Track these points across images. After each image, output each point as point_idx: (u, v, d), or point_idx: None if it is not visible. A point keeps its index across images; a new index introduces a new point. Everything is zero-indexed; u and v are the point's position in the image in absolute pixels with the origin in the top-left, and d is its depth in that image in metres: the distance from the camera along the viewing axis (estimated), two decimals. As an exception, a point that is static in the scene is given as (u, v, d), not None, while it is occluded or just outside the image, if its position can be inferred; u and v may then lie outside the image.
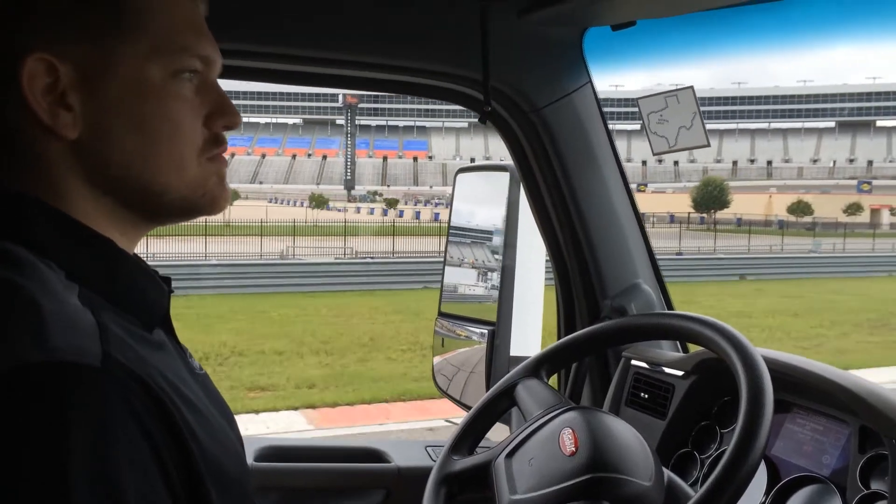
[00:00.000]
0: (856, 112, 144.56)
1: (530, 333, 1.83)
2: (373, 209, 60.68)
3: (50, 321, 0.76)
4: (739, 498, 1.01)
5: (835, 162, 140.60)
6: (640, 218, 1.80)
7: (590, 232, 1.74)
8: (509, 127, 1.74)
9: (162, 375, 0.83)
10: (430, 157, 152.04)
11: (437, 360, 2.02)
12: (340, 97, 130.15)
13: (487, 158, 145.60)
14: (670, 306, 1.81)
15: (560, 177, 1.72)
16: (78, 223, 0.88)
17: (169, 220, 0.97)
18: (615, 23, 1.62)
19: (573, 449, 1.12)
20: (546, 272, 1.89)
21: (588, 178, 1.73)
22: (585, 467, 1.09)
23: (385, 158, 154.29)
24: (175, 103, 0.90)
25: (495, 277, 1.87)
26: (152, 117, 0.89)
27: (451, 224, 2.03)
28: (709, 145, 1.64)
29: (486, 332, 1.82)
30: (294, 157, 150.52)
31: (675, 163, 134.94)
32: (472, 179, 2.06)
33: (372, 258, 26.49)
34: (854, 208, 63.45)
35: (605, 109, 1.78)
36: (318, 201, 59.15)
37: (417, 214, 46.89)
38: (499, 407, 1.38)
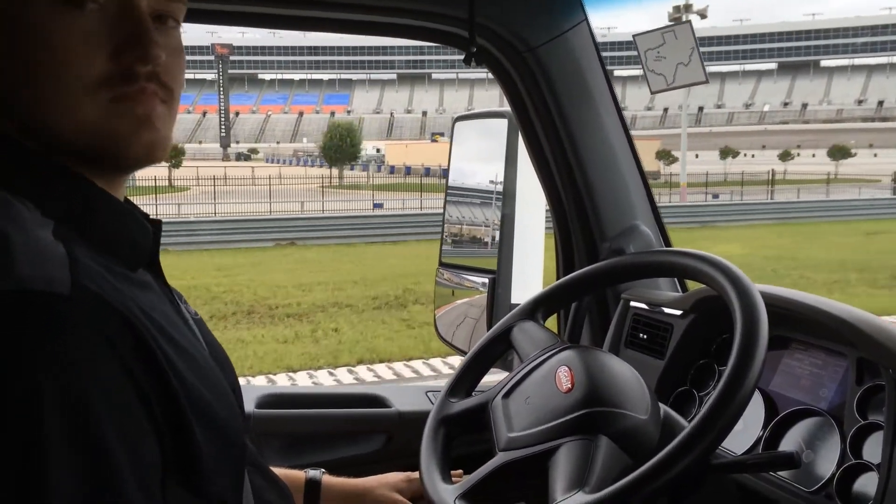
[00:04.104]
0: (794, 52, 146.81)
1: (531, 280, 1.86)
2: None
3: (17, 252, 0.76)
4: (731, 429, 1.06)
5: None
6: (637, 159, 1.83)
7: (587, 174, 1.78)
8: (503, 68, 1.76)
9: (143, 311, 0.82)
10: (349, 112, 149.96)
11: (439, 310, 2.06)
12: (210, 48, 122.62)
13: (409, 111, 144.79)
14: (669, 247, 1.84)
15: (557, 118, 1.75)
16: (48, 160, 0.86)
17: (86, 165, 0.90)
18: None
19: (569, 386, 1.19)
20: (546, 219, 1.92)
21: (585, 120, 1.76)
22: (582, 402, 1.16)
23: (301, 114, 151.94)
24: (62, 33, 0.84)
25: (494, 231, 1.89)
26: (33, 48, 0.84)
27: (450, 175, 2.04)
28: (707, 82, 1.69)
29: (486, 280, 1.86)
30: (204, 114, 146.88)
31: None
32: (469, 127, 2.07)
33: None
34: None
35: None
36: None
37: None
38: (495, 350, 1.44)
